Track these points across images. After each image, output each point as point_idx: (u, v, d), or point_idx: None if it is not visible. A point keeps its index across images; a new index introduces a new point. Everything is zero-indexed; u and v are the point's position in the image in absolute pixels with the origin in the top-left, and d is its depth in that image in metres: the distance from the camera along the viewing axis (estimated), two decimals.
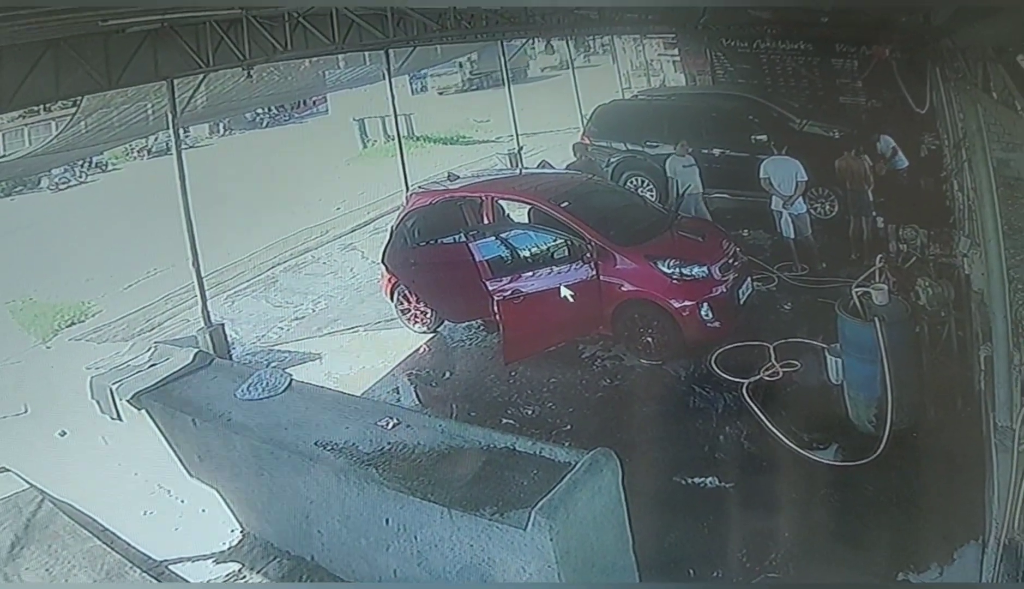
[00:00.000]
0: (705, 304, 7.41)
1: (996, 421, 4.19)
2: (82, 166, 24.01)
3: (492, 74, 32.64)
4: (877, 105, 13.01)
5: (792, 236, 9.36)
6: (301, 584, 5.07)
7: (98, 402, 6.62)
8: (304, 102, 30.24)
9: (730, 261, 7.88)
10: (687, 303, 7.40)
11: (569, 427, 6.67)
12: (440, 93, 35.96)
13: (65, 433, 7.44)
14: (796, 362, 7.13)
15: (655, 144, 12.19)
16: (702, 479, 5.77)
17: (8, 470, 6.24)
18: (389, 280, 8.88)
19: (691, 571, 4.83)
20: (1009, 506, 3.57)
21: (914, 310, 6.05)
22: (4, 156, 17.39)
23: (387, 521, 4.65)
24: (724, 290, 7.61)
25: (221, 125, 29.57)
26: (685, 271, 7.50)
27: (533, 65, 37.35)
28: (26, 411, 8.18)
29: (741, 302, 7.90)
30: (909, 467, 5.47)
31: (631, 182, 12.27)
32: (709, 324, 7.43)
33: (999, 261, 4.29)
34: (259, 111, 29.28)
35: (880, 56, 12.12)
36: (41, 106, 13.26)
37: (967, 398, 5.89)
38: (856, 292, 5.93)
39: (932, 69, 9.18)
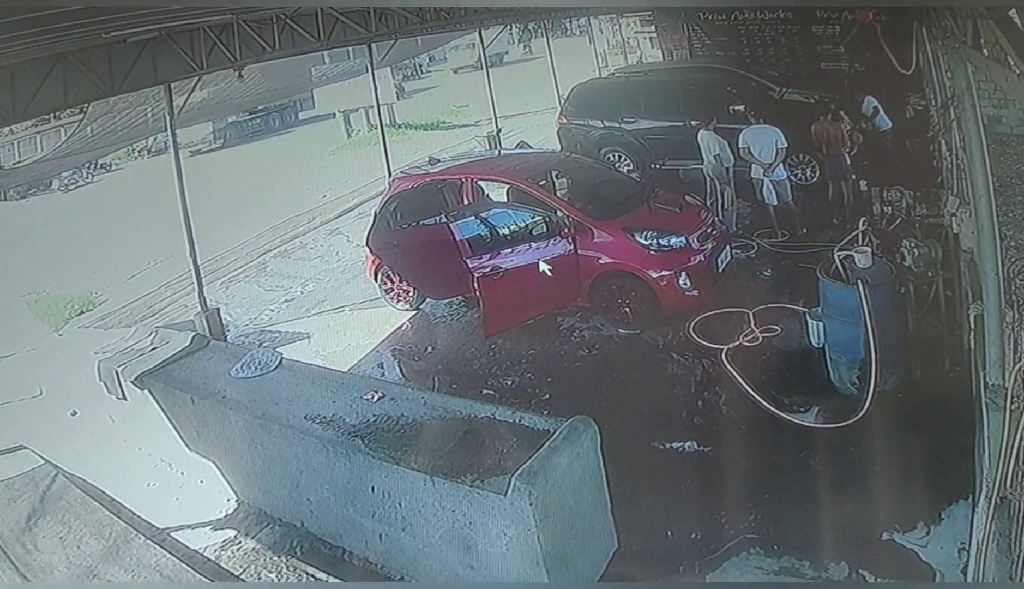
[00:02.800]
0: (683, 273, 7.39)
1: (987, 379, 4.15)
2: (89, 168, 24.09)
3: None
4: (860, 69, 12.78)
5: (774, 203, 9.27)
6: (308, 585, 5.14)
7: (105, 384, 6.79)
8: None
9: (708, 230, 7.84)
10: (665, 273, 7.38)
11: (548, 396, 6.69)
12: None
13: (76, 413, 7.59)
14: (776, 327, 7.08)
15: (632, 119, 12.07)
16: (680, 444, 5.76)
17: (25, 447, 6.44)
18: (373, 262, 8.92)
19: (669, 533, 4.83)
20: (1002, 464, 3.52)
21: (899, 271, 5.94)
22: (19, 162, 17.55)
23: (373, 489, 4.73)
24: (702, 259, 7.57)
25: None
26: (663, 241, 7.47)
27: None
28: (41, 393, 8.36)
29: (720, 270, 7.87)
30: (894, 428, 5.38)
31: (608, 157, 12.16)
32: (687, 293, 7.42)
33: (990, 218, 4.21)
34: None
35: (863, 20, 11.86)
36: (51, 114, 13.41)
37: (955, 357, 5.85)
38: (838, 255, 5.86)
39: (918, 29, 8.99)
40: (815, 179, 10.45)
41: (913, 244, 6.14)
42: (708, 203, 9.23)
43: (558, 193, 8.06)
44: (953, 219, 6.36)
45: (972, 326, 4.99)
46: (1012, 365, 3.93)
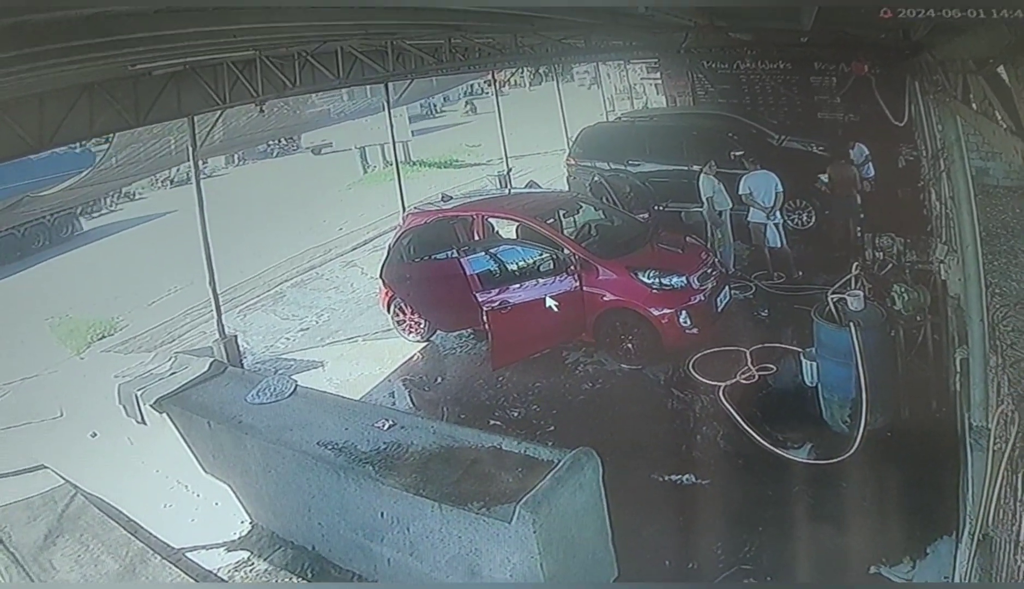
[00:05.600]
0: (684, 312, 7.50)
1: (971, 421, 4.19)
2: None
3: None
4: (855, 119, 12.95)
5: (778, 245, 9.43)
6: (309, 585, 5.20)
7: (125, 407, 6.90)
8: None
9: (708, 271, 7.97)
10: (666, 311, 7.50)
11: (552, 428, 6.78)
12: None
13: (96, 434, 7.67)
14: (772, 366, 7.17)
15: (637, 163, 12.26)
16: (679, 477, 5.83)
17: (45, 467, 6.55)
18: (386, 294, 9.07)
19: (667, 562, 4.89)
20: (984, 502, 3.60)
21: (889, 315, 6.04)
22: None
23: (382, 514, 4.81)
24: (702, 298, 7.69)
25: (236, 156, 29.69)
26: (664, 281, 7.60)
27: None
28: (62, 415, 8.43)
29: (719, 310, 7.99)
30: (883, 465, 5.46)
31: (606, 199, 12.29)
32: (688, 331, 7.53)
33: (976, 266, 4.30)
34: (270, 143, 29.36)
35: (859, 72, 12.06)
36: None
37: (942, 399, 5.93)
38: (832, 298, 5.97)
39: (911, 83, 9.17)
40: (811, 224, 10.63)
41: (903, 289, 6.25)
42: (708, 244, 9.40)
43: (565, 232, 8.25)
44: (941, 266, 6.46)
45: (958, 369, 5.05)
46: (995, 407, 4.01)
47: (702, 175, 9.98)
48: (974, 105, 3.92)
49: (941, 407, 5.90)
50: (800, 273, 9.30)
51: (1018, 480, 3.26)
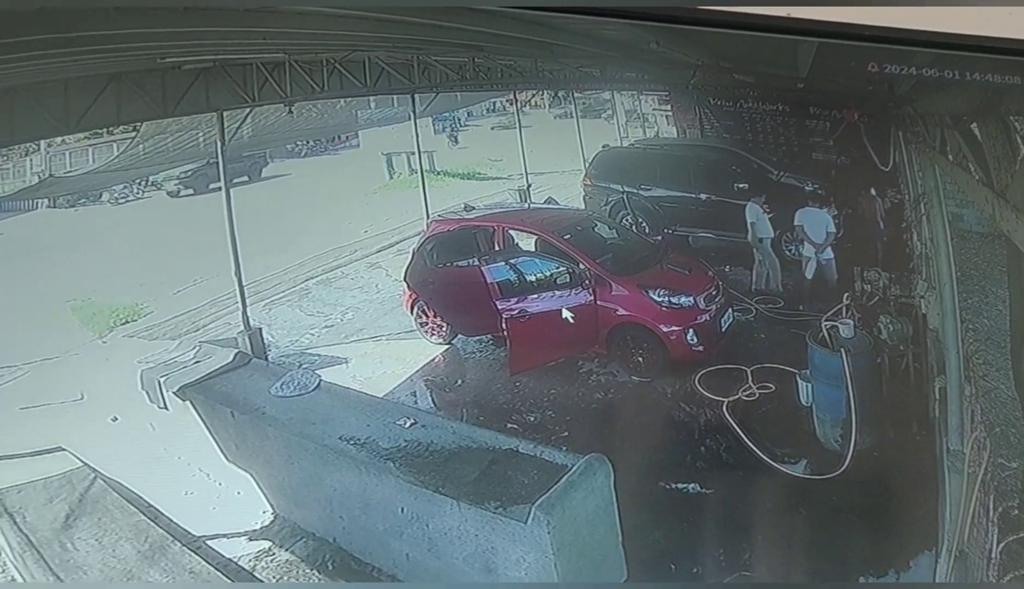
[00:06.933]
0: (691, 330, 7.49)
1: (948, 445, 4.27)
2: (139, 184, 24.10)
3: None
4: (846, 162, 13.07)
5: (809, 278, 9.27)
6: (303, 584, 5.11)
7: (147, 392, 6.75)
8: (338, 136, 29.95)
9: (713, 293, 7.97)
10: (675, 328, 7.48)
11: (566, 434, 6.67)
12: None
13: (117, 418, 7.42)
14: (771, 385, 7.11)
15: (648, 187, 12.25)
16: (685, 485, 5.81)
17: (64, 449, 6.34)
18: (410, 296, 8.92)
19: (672, 566, 4.90)
20: (960, 521, 3.62)
21: (876, 343, 6.16)
22: (70, 172, 17.57)
23: (402, 510, 4.72)
24: (708, 318, 7.68)
25: (265, 154, 29.62)
26: (673, 300, 7.60)
27: None
28: (82, 398, 8.19)
29: (723, 329, 7.94)
30: (870, 482, 5.49)
31: (626, 220, 12.33)
32: (694, 348, 7.50)
33: (952, 303, 4.37)
34: (298, 142, 29.29)
35: (849, 119, 12.18)
36: (104, 130, 13.45)
37: (922, 423, 5.95)
38: (825, 325, 6.10)
39: (895, 132, 9.31)
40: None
41: (888, 320, 6.40)
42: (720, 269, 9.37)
43: (581, 247, 8.22)
44: (922, 301, 6.55)
45: (936, 397, 5.20)
46: (969, 433, 4.07)
47: (750, 202, 10.00)
48: (950, 156, 3.97)
49: (921, 430, 5.94)
50: (800, 307, 9.23)
51: (990, 501, 3.26)
